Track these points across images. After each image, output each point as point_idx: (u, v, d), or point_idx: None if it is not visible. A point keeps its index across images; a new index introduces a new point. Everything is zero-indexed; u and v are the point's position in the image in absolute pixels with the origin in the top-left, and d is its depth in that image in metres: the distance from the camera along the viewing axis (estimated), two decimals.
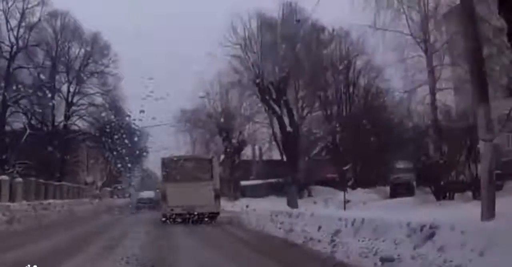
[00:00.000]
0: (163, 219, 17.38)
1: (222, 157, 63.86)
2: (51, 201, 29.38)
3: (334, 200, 27.19)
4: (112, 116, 41.95)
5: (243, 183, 51.47)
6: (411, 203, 20.98)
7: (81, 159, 47.81)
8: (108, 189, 65.85)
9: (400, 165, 31.87)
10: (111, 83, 42.01)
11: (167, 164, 19.13)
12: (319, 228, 13.09)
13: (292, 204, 26.47)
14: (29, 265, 6.18)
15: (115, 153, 63.57)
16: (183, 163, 19.06)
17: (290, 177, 36.75)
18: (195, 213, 17.03)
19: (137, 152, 63.86)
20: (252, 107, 41.76)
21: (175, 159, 19.69)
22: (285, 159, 43.14)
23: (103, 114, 41.22)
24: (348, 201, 24.48)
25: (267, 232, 15.84)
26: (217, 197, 19.14)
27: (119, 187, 71.01)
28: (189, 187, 18.01)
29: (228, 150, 32.59)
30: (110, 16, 76.07)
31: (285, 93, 40.38)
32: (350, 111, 38.74)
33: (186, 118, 79.14)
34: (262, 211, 19.72)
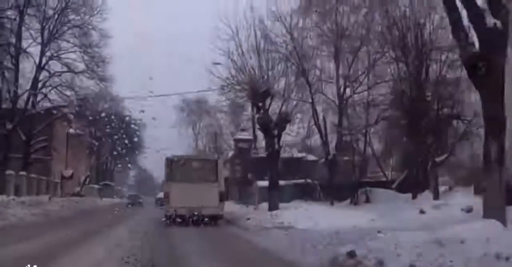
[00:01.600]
0: (164, 219, 17.22)
1: (231, 154, 54.66)
2: None
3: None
4: (98, 89, 31.98)
5: (260, 183, 41.58)
6: None
7: (55, 146, 37.72)
8: (96, 186, 55.92)
9: None
10: (96, 42, 31.77)
11: (171, 163, 18.80)
12: None
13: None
14: (29, 265, 5.85)
15: (108, 140, 54.17)
16: (187, 163, 19.02)
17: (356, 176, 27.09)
18: (199, 214, 16.70)
19: (133, 145, 55.08)
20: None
21: (179, 158, 19.49)
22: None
23: (88, 86, 31.23)
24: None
25: None
26: (221, 199, 18.95)
27: (108, 184, 61.26)
28: (193, 188, 17.85)
29: (268, 129, 21.70)
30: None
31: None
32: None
33: (188, 110, 70.36)
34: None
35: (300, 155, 45.18)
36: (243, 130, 52.06)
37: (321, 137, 32.36)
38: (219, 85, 23.21)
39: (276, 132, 22.85)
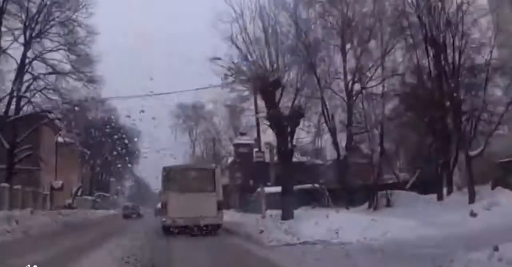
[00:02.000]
0: (162, 230, 17.17)
1: (230, 160, 52.14)
2: None
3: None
4: (87, 92, 29.48)
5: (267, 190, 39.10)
6: None
7: (44, 155, 35.09)
8: (89, 198, 53.20)
9: None
10: (82, 39, 29.07)
11: (169, 173, 18.50)
12: None
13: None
14: (29, 265, 5.92)
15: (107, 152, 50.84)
16: (185, 173, 18.97)
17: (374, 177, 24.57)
18: (197, 224, 16.58)
19: (128, 153, 52.41)
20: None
21: (176, 168, 19.42)
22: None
23: (75, 87, 28.65)
24: None
25: None
26: (220, 208, 18.60)
27: (104, 196, 58.47)
28: (191, 198, 17.63)
29: (279, 126, 18.65)
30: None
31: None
32: None
33: (185, 116, 67.92)
34: None
35: (302, 158, 43.12)
36: (243, 134, 49.63)
37: (332, 135, 29.96)
38: (222, 74, 20.36)
39: (289, 129, 20.31)
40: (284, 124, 20.06)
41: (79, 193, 45.81)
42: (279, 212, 28.13)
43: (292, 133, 20.78)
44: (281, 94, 20.22)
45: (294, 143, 21.36)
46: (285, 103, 20.63)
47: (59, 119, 31.11)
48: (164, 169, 18.74)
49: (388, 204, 22.36)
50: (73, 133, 38.25)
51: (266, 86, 19.71)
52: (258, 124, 24.45)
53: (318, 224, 15.00)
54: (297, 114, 20.67)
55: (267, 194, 38.48)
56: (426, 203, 21.40)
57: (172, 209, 17.74)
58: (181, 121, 64.28)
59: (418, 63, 23.94)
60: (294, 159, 36.09)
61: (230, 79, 20.29)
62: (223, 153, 54.58)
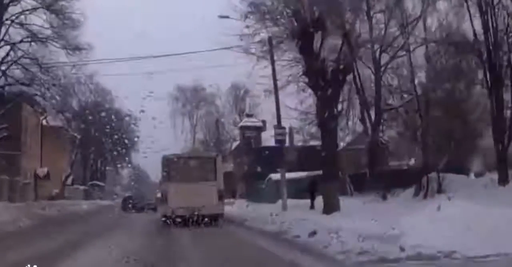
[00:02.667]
0: (163, 219, 16.25)
1: (235, 145, 48.05)
2: None
3: None
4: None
5: (274, 177, 34.98)
6: None
7: (24, 138, 30.85)
8: (82, 187, 49.01)
9: None
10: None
11: (169, 162, 18.09)
12: None
13: None
14: (29, 265, 5.49)
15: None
16: (185, 162, 18.44)
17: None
18: (198, 214, 15.26)
19: (124, 140, 48.31)
20: None
21: (177, 157, 18.87)
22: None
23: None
24: None
25: None
26: (221, 197, 18.17)
27: (98, 185, 54.28)
28: (191, 187, 17.13)
29: (321, 82, 13.84)
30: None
31: None
32: None
33: (184, 99, 63.72)
34: None
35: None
36: (249, 116, 45.31)
37: (361, 111, 25.85)
38: (242, 16, 15.85)
39: (330, 91, 15.86)
40: (326, 81, 15.56)
41: (69, 182, 41.59)
42: (298, 202, 23.98)
43: (336, 93, 16.37)
44: (322, 41, 15.48)
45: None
46: (325, 56, 15.72)
47: (41, 96, 26.75)
48: (164, 158, 18.18)
49: (440, 190, 18.19)
50: (63, 115, 33.90)
51: (305, 26, 14.99)
52: (276, 91, 20.04)
53: (373, 218, 10.22)
54: (345, 70, 16.13)
55: (276, 181, 34.61)
56: (486, 187, 17.48)
57: (172, 198, 17.21)
58: (181, 105, 60.06)
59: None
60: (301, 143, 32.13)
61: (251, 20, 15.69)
62: (227, 137, 50.35)
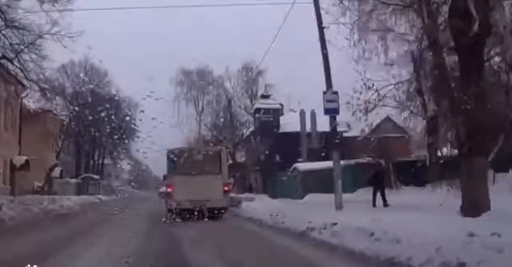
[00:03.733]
0: (169, 214, 15.70)
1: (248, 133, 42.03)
2: None
3: None
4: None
5: (300, 167, 29.14)
6: None
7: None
8: (73, 180, 43.12)
9: None
10: None
11: (174, 155, 17.93)
12: None
13: None
14: (29, 265, 5.38)
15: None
16: (190, 155, 18.29)
17: None
18: (204, 207, 15.61)
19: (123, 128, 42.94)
20: None
21: (181, 150, 19.18)
22: None
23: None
24: None
25: None
26: (226, 191, 18.19)
27: (92, 178, 48.17)
28: (196, 181, 17.04)
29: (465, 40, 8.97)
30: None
31: None
32: None
33: (190, 83, 57.84)
34: None
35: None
36: (265, 97, 39.32)
37: (418, 81, 20.03)
38: None
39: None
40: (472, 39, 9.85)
41: (56, 174, 35.67)
42: (329, 197, 18.01)
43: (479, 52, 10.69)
44: None
45: None
46: None
47: (9, 61, 20.83)
48: (169, 151, 18.03)
49: None
50: (45, 94, 28.11)
51: None
52: (323, 39, 14.31)
53: None
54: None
55: (303, 172, 28.74)
56: None
57: (177, 191, 17.11)
58: (185, 90, 54.12)
59: None
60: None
61: None
62: (237, 125, 44.20)
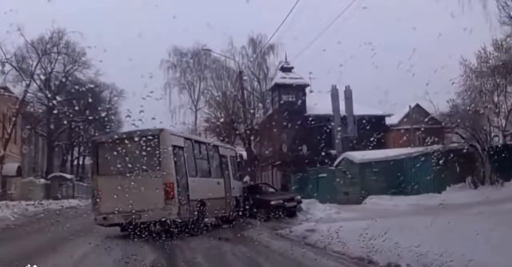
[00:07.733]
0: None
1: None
2: None
3: None
4: None
5: (356, 157, 21.00)
6: None
7: None
8: (42, 181, 34.55)
9: None
10: None
11: (99, 148, 13.22)
12: None
13: None
14: (29, 265, 5.78)
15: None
16: (119, 145, 12.48)
17: None
18: (139, 221, 11.44)
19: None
20: None
21: (110, 139, 13.44)
22: None
23: None
24: None
25: None
26: (170, 195, 12.18)
27: (64, 177, 39.43)
28: (127, 182, 11.54)
29: None
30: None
31: None
32: None
33: (184, 65, 49.70)
34: None
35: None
36: (287, 70, 30.52)
37: None
38: None
39: None
40: None
41: (9, 172, 26.92)
42: (403, 200, 12.69)
43: None
44: None
45: None
46: None
47: None
48: (93, 142, 14.02)
49: None
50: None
51: None
52: None
53: None
54: None
55: (360, 165, 20.36)
56: None
57: (103, 201, 12.24)
58: (178, 74, 46.00)
59: None
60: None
61: None
62: (252, 103, 35.71)
